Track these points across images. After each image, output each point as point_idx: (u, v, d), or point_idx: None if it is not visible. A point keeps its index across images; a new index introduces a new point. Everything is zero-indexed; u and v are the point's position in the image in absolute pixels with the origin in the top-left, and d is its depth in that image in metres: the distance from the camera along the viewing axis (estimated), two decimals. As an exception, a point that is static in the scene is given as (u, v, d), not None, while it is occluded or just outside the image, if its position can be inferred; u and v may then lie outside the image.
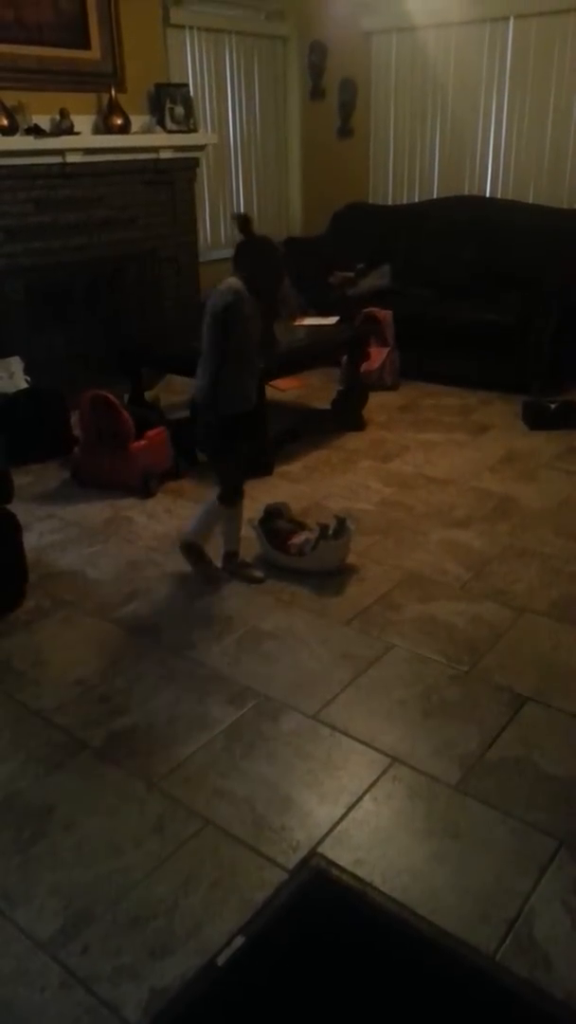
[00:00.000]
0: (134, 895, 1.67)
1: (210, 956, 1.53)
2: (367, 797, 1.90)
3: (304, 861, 1.73)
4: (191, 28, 5.27)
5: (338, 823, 1.83)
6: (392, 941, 1.59)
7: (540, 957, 1.52)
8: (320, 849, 1.77)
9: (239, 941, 1.56)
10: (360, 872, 1.71)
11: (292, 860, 1.74)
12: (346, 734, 2.10)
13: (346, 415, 4.35)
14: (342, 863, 1.72)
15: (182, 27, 5.20)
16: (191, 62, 5.34)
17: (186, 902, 1.66)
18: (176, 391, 4.62)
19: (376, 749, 2.05)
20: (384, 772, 1.97)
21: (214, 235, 5.75)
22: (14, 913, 1.65)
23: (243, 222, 2.61)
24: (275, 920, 1.61)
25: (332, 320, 4.51)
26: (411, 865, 1.73)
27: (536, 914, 1.61)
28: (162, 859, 1.75)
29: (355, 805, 1.88)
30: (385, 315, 4.90)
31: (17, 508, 2.88)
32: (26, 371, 4.12)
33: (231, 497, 2.79)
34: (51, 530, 3.31)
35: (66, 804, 1.91)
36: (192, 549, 2.90)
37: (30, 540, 3.10)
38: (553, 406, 4.28)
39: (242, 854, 1.76)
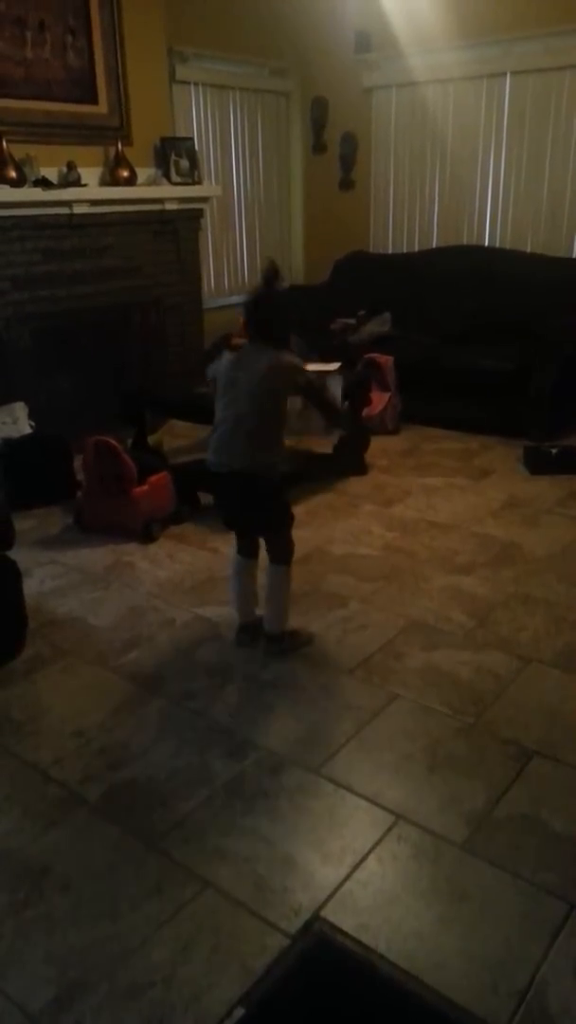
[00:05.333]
0: (131, 962, 1.61)
1: (209, 1031, 1.48)
2: (371, 857, 1.85)
3: (306, 926, 1.68)
4: (196, 84, 5.43)
5: (341, 885, 1.78)
6: (399, 1013, 1.53)
7: (553, 1032, 1.46)
8: (323, 913, 1.71)
9: (239, 1012, 1.51)
10: (364, 937, 1.65)
11: (294, 924, 1.68)
12: (349, 790, 2.05)
13: (348, 459, 4.35)
14: (345, 928, 1.67)
15: (188, 83, 5.36)
16: (196, 117, 5.49)
17: (184, 970, 1.60)
18: (179, 436, 4.64)
19: (380, 806, 2.00)
20: (389, 830, 1.92)
21: (217, 284, 5.84)
22: (5, 982, 1.59)
23: (272, 275, 2.53)
24: (276, 989, 1.56)
25: (334, 366, 4.54)
26: (417, 930, 1.67)
27: (548, 984, 1.55)
28: (160, 923, 1.70)
29: (359, 865, 1.82)
30: (386, 361, 4.94)
31: (19, 553, 2.87)
32: (31, 416, 4.15)
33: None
34: (52, 576, 3.29)
35: (62, 864, 1.86)
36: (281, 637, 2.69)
37: (31, 586, 3.09)
38: (554, 451, 4.30)
39: (242, 918, 1.70)
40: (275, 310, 2.52)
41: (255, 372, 2.40)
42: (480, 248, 5.58)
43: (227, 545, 3.49)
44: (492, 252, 5.49)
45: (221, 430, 2.47)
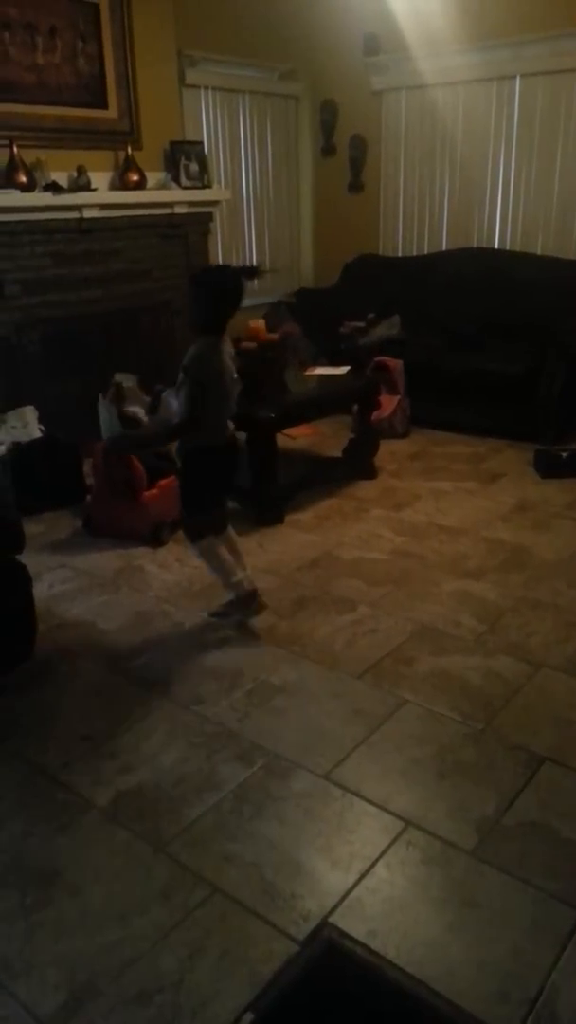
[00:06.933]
0: (139, 967, 1.62)
1: (217, 1037, 1.47)
2: (380, 863, 1.84)
3: (315, 932, 1.67)
4: (206, 88, 5.44)
5: (350, 891, 1.77)
6: (408, 1020, 1.53)
7: (563, 1041, 1.45)
8: (331, 919, 1.71)
9: (248, 1018, 1.50)
10: (373, 944, 1.64)
11: (303, 930, 1.68)
12: (358, 795, 2.05)
13: (357, 463, 4.35)
14: (354, 934, 1.67)
15: (197, 87, 5.37)
16: (206, 120, 5.50)
17: (193, 975, 1.60)
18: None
19: (389, 812, 1.99)
20: (398, 836, 1.91)
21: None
22: (15, 985, 1.59)
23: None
24: (285, 996, 1.55)
25: (343, 369, 4.55)
26: (427, 937, 1.67)
27: (559, 992, 1.54)
28: (168, 928, 1.70)
29: (368, 872, 1.82)
30: (395, 364, 4.94)
31: (29, 557, 2.88)
32: (40, 420, 4.16)
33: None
34: (62, 580, 3.30)
35: (71, 868, 1.86)
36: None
37: (41, 590, 3.09)
38: (565, 455, 4.28)
39: (251, 923, 1.70)
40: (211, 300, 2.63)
41: (231, 360, 2.67)
42: (490, 250, 5.57)
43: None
44: (502, 254, 5.48)
45: (230, 412, 2.72)
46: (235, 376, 2.70)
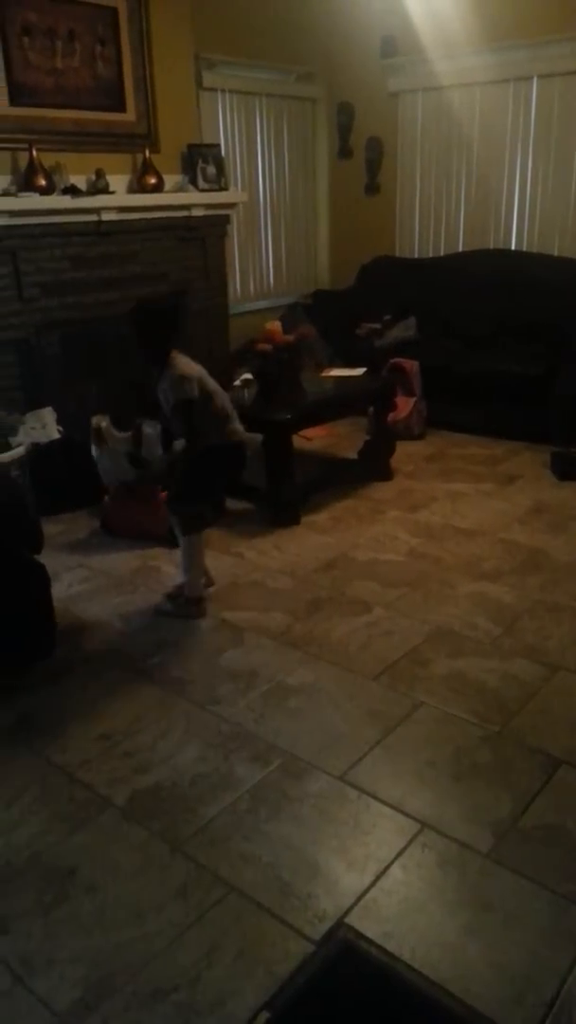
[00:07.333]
0: (156, 965, 1.63)
1: (234, 1035, 1.48)
2: (396, 865, 1.84)
3: (331, 933, 1.68)
4: (223, 91, 5.46)
5: (366, 892, 1.78)
6: (423, 1022, 1.53)
7: (579, 1044, 1.45)
8: (347, 919, 1.71)
9: (263, 1017, 1.51)
10: (389, 945, 1.65)
11: (318, 931, 1.69)
12: (374, 797, 2.05)
13: (373, 465, 4.35)
14: (370, 935, 1.67)
15: (214, 90, 5.39)
16: (223, 123, 5.52)
17: (209, 974, 1.61)
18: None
19: (405, 813, 1.99)
20: (413, 838, 1.92)
21: (243, 289, 5.86)
22: (33, 981, 1.61)
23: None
24: (301, 995, 1.56)
25: (359, 371, 4.55)
26: (442, 939, 1.67)
27: (574, 997, 1.53)
28: (185, 927, 1.71)
29: (383, 873, 1.82)
30: (411, 365, 4.93)
31: (47, 557, 2.90)
32: (59, 422, 4.19)
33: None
34: (80, 580, 3.32)
35: (89, 865, 1.88)
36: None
37: (59, 590, 3.12)
38: (582, 457, 4.26)
39: (267, 923, 1.71)
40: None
41: (193, 361, 2.94)
42: (506, 252, 5.55)
43: (252, 550, 3.53)
44: (518, 256, 5.45)
45: (230, 405, 2.99)
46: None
